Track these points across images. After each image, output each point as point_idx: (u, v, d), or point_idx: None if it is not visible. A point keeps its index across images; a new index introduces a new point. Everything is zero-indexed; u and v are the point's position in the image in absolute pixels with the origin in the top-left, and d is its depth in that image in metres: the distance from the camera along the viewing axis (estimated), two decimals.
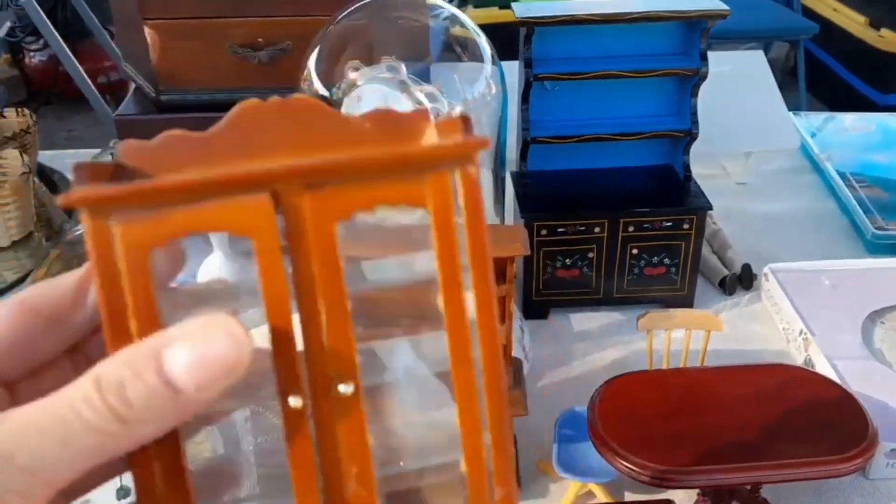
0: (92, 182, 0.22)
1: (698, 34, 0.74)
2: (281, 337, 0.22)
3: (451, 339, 0.24)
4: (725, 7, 0.73)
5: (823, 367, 0.70)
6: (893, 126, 1.13)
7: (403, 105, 0.62)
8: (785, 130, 0.99)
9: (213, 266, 0.78)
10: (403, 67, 0.62)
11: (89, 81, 1.99)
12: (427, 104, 0.62)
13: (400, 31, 0.68)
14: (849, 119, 1.15)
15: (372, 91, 0.63)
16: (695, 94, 0.77)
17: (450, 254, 0.24)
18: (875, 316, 0.77)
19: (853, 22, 2.98)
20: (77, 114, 3.12)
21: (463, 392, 0.24)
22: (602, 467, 0.58)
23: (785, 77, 3.36)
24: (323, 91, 0.65)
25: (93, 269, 0.22)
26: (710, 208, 0.77)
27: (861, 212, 0.93)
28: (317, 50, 0.65)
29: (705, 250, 0.87)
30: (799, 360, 0.74)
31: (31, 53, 3.18)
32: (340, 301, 0.23)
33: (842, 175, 1.01)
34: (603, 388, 0.60)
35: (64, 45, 1.96)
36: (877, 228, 0.90)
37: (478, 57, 0.68)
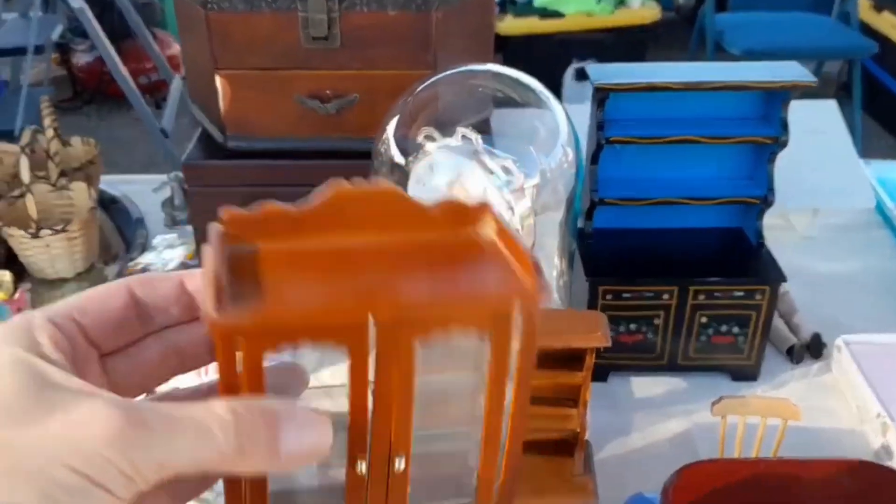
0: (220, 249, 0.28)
1: (780, 102, 0.72)
2: (358, 419, 0.27)
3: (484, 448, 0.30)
4: (812, 77, 0.71)
5: None
6: None
7: (476, 175, 0.61)
8: (858, 188, 0.95)
9: None
10: (479, 139, 0.61)
11: (134, 86, 2.01)
12: (501, 176, 0.61)
13: (472, 100, 0.67)
14: None
15: (445, 160, 0.62)
16: (772, 161, 0.75)
17: (500, 374, 0.29)
18: None
19: None
20: (118, 112, 3.17)
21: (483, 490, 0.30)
22: None
23: (838, 93, 3.28)
24: (399, 158, 0.63)
25: (219, 368, 0.26)
26: (784, 280, 0.74)
27: None
28: (396, 118, 0.64)
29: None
30: (875, 444, 0.71)
31: (79, 54, 3.24)
32: (409, 399, 0.28)
33: None
34: (675, 478, 0.59)
35: (112, 52, 1.98)
36: None
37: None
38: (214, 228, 0.28)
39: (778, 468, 0.60)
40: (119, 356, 0.29)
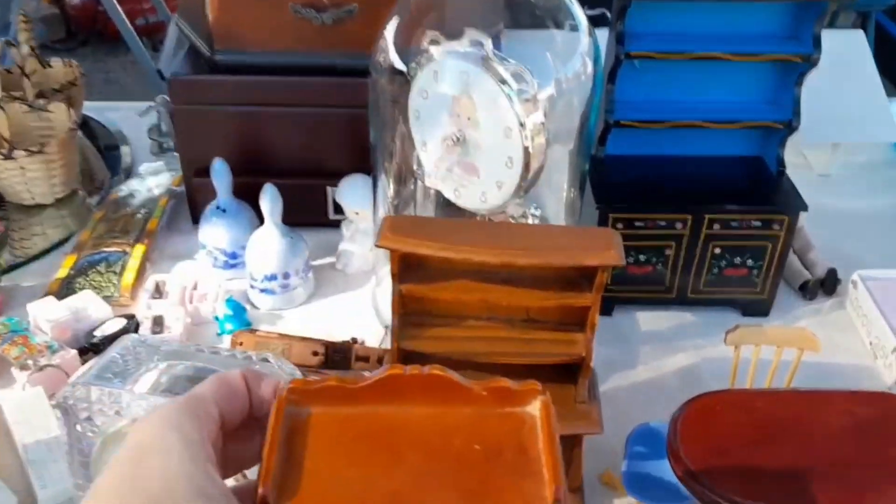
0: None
1: (812, 17, 0.67)
2: None
3: None
4: None
5: None
6: None
7: (485, 84, 0.56)
8: (882, 121, 0.91)
9: (263, 238, 0.73)
10: (489, 43, 0.56)
11: (130, 27, 1.94)
12: (513, 84, 0.56)
13: (482, 4, 0.62)
14: None
15: (452, 68, 0.57)
16: (800, 83, 0.70)
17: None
18: None
19: None
20: (114, 56, 3.08)
21: None
22: (675, 490, 0.54)
23: None
24: (399, 65, 0.59)
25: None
26: (805, 209, 0.70)
27: None
28: (396, 20, 0.59)
29: None
30: (889, 380, 0.69)
31: None
32: None
33: None
34: (685, 408, 0.56)
35: None
36: None
37: (561, 23, 0.62)
38: (280, 392, 0.34)
39: (791, 399, 0.57)
40: (229, 437, 0.34)
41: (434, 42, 0.57)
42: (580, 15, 0.59)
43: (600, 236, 0.53)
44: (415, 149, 0.61)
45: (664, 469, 0.54)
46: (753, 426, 0.54)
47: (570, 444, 0.55)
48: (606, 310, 0.77)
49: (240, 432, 0.35)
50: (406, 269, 0.52)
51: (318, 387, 0.34)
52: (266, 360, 0.52)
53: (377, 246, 0.49)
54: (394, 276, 0.51)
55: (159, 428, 0.31)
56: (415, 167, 0.63)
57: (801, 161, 0.99)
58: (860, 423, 0.54)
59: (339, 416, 0.34)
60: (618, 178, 0.75)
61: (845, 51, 0.94)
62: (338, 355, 0.63)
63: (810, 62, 0.68)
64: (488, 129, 0.56)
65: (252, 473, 0.35)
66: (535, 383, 0.35)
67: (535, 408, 0.34)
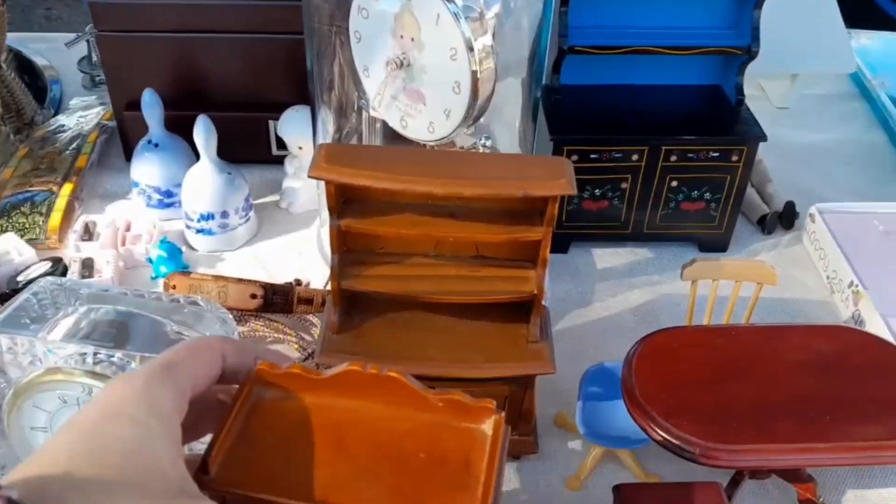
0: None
1: None
2: None
3: None
4: None
5: (875, 325, 0.63)
6: None
7: (429, 2, 0.52)
8: (840, 52, 0.89)
9: (198, 174, 0.69)
10: None
11: None
12: (458, 1, 0.52)
13: None
14: None
15: None
16: (759, 6, 0.67)
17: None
18: None
19: None
20: None
21: None
22: (632, 432, 0.52)
23: None
24: None
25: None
26: (765, 139, 0.68)
27: None
28: None
29: None
30: (845, 313, 0.68)
31: None
32: None
33: (895, 104, 0.92)
34: (640, 346, 0.54)
35: None
36: None
37: None
38: (250, 376, 0.37)
39: (748, 335, 0.55)
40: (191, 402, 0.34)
41: None
42: None
43: (551, 165, 0.49)
44: (357, 76, 0.56)
45: (619, 409, 0.52)
46: (710, 363, 0.53)
47: (523, 385, 0.53)
48: (562, 247, 0.75)
49: (201, 398, 0.35)
50: (345, 203, 0.48)
51: (282, 372, 0.36)
52: (195, 303, 0.49)
53: (310, 176, 0.45)
54: (331, 210, 0.47)
55: (132, 394, 0.31)
56: (358, 97, 0.59)
57: (759, 93, 0.97)
58: (817, 357, 0.53)
59: (298, 403, 0.36)
60: (573, 108, 0.71)
61: None
62: (278, 298, 0.60)
63: None
64: (433, 50, 0.51)
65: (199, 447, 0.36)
66: (490, 402, 0.36)
67: (488, 427, 0.36)
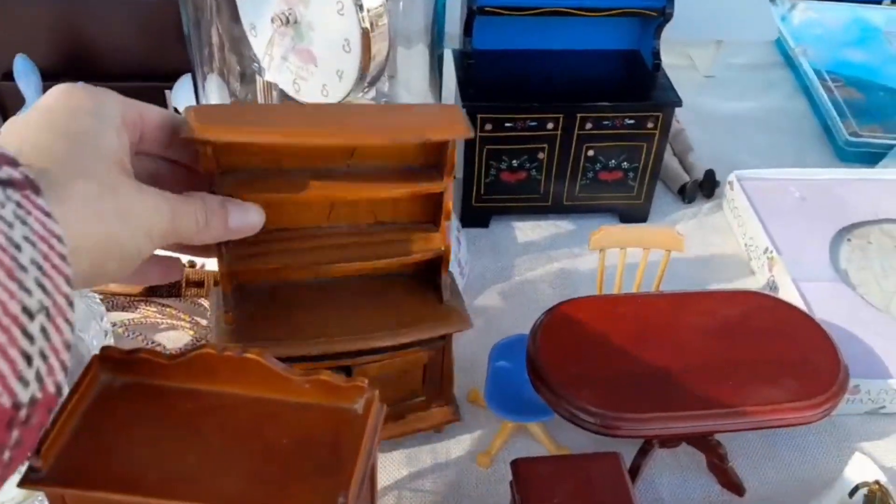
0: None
1: None
2: None
3: None
4: None
5: (788, 290, 0.63)
6: (871, 20, 1.04)
7: None
8: (763, 19, 0.88)
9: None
10: None
11: None
12: None
13: None
14: (824, 9, 1.05)
15: None
16: None
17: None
18: (843, 232, 0.71)
19: None
20: None
21: None
22: (540, 405, 0.51)
23: None
24: None
25: None
26: (679, 104, 0.67)
27: (835, 115, 0.85)
28: None
29: (666, 153, 0.79)
30: (762, 280, 0.68)
31: None
32: None
33: (817, 72, 0.92)
34: (545, 317, 0.53)
35: None
36: (850, 134, 0.82)
37: None
38: (95, 360, 0.35)
39: (654, 302, 0.54)
40: (136, 158, 0.37)
41: None
42: None
43: (446, 111, 0.47)
44: (235, 42, 0.53)
45: (527, 382, 0.51)
46: (615, 332, 0.52)
47: (441, 350, 0.51)
48: (482, 221, 0.73)
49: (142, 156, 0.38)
50: (224, 174, 0.45)
51: (130, 358, 0.35)
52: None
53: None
54: (210, 178, 0.44)
55: (88, 97, 0.33)
56: (250, 60, 0.56)
57: (686, 62, 0.97)
58: (723, 323, 0.53)
59: (149, 390, 0.35)
60: (487, 74, 0.69)
61: None
62: None
63: None
64: (319, 4, 0.49)
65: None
66: (362, 380, 0.35)
67: (359, 406, 0.35)
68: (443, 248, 0.49)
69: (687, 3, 0.73)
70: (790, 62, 0.97)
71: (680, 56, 0.96)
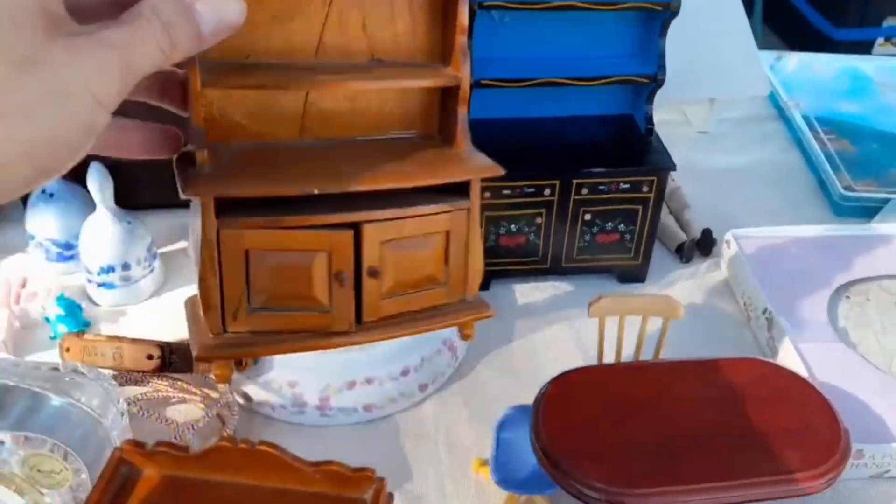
0: None
1: None
2: None
3: None
4: None
5: (787, 351, 0.63)
6: (861, 71, 1.05)
7: None
8: (754, 76, 0.90)
9: (95, 225, 0.66)
10: None
11: None
12: None
13: None
14: (814, 61, 1.07)
15: None
16: (663, 34, 0.67)
17: None
18: (841, 290, 0.71)
19: None
20: None
21: None
22: (544, 477, 0.51)
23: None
24: None
25: None
26: (673, 168, 0.68)
27: (829, 169, 0.86)
28: None
29: (662, 212, 0.80)
30: (762, 339, 0.68)
31: None
32: None
33: (809, 125, 0.93)
34: (547, 388, 0.53)
35: None
36: (845, 188, 0.83)
37: None
38: (116, 454, 0.36)
39: (655, 372, 0.55)
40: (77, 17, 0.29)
41: None
42: None
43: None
44: None
45: (531, 454, 0.51)
46: (617, 402, 0.52)
47: (465, 213, 0.45)
48: (483, 284, 0.73)
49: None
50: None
51: (150, 450, 0.36)
52: (77, 370, 0.46)
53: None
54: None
55: None
56: None
57: (680, 118, 0.98)
58: (723, 391, 0.53)
59: (169, 482, 0.36)
60: (484, 143, 0.70)
61: (718, 3, 0.92)
62: (176, 357, 0.57)
63: (670, 10, 0.65)
64: None
65: None
66: (371, 470, 0.36)
67: (368, 496, 0.36)
68: (459, 76, 0.42)
69: (679, 64, 0.75)
70: (783, 115, 0.98)
71: (673, 112, 0.98)
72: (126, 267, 0.66)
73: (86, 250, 0.66)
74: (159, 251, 0.71)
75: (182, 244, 0.75)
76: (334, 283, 0.40)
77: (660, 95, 0.72)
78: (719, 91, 0.90)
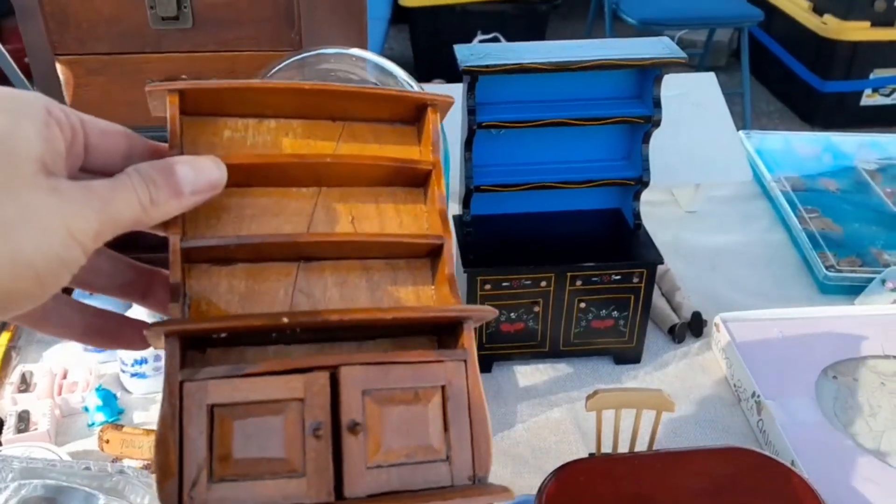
0: None
1: (652, 80, 0.69)
2: None
3: None
4: (682, 54, 0.69)
5: (776, 435, 0.67)
6: (841, 149, 1.11)
7: None
8: (736, 162, 0.95)
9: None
10: None
11: (15, 66, 1.85)
12: None
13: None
14: (798, 139, 1.13)
15: None
16: (646, 141, 0.73)
17: None
18: (829, 370, 0.75)
19: (797, 7, 2.99)
20: None
21: None
22: None
23: (729, 60, 3.37)
24: None
25: None
26: (661, 262, 0.73)
27: (811, 248, 0.90)
28: None
29: (654, 294, 0.84)
30: (752, 421, 0.71)
31: None
32: None
33: (792, 204, 0.98)
34: (549, 481, 0.56)
35: None
36: (828, 268, 0.88)
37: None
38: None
39: (651, 463, 0.58)
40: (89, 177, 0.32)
41: None
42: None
43: None
44: None
45: None
46: (616, 496, 0.55)
47: (462, 365, 0.36)
48: (486, 367, 0.78)
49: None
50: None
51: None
52: (122, 471, 0.50)
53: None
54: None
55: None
56: None
57: (669, 198, 1.03)
58: (714, 482, 0.56)
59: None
60: (484, 240, 0.75)
61: (701, 93, 0.98)
62: None
63: (652, 122, 0.70)
64: None
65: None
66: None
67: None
68: (442, 237, 0.39)
69: (667, 151, 0.80)
70: (767, 194, 1.03)
71: (662, 192, 1.03)
72: (158, 358, 0.70)
73: None
74: None
75: None
76: (309, 440, 0.33)
77: (654, 177, 0.77)
78: (703, 177, 0.95)
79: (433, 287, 0.40)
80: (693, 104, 0.96)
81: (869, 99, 2.96)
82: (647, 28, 2.74)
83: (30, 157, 0.28)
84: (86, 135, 0.31)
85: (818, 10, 2.90)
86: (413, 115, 0.40)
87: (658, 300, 0.84)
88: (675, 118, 0.91)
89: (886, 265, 0.87)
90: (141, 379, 0.71)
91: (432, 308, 0.38)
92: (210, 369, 0.33)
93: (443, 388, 0.36)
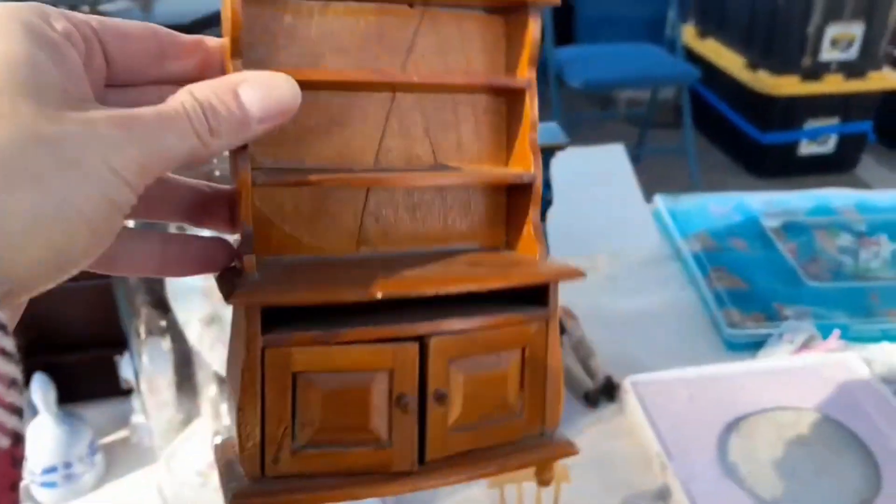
0: None
1: (547, 162, 0.74)
2: None
3: None
4: (565, 138, 0.74)
5: (678, 494, 0.70)
6: (751, 207, 1.17)
7: None
8: (643, 227, 1.00)
9: (37, 430, 0.72)
10: None
11: None
12: None
13: None
14: (711, 200, 1.19)
15: None
16: (544, 220, 0.77)
17: None
18: (731, 425, 0.78)
19: (734, 64, 3.13)
20: None
21: None
22: None
23: (676, 117, 3.49)
24: None
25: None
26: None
27: (716, 307, 0.95)
28: None
29: (570, 360, 0.87)
30: (658, 481, 0.74)
31: None
32: None
33: (701, 265, 1.03)
34: None
35: None
36: (729, 325, 0.92)
37: None
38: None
39: None
40: (118, 91, 0.29)
41: None
42: None
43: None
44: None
45: None
46: None
47: (543, 323, 0.36)
48: None
49: (134, 91, 0.28)
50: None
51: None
52: None
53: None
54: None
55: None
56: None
57: (590, 265, 1.07)
58: None
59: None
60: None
61: (610, 165, 1.03)
62: None
63: (546, 202, 0.75)
64: None
65: None
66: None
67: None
68: (532, 173, 0.37)
69: (581, 222, 0.84)
70: (679, 255, 1.08)
71: (584, 260, 1.07)
72: (67, 465, 0.71)
73: (29, 452, 0.71)
74: (101, 441, 0.77)
75: (123, 433, 0.80)
76: (395, 411, 0.34)
77: (571, 251, 0.81)
78: (615, 244, 1.00)
79: (512, 226, 0.39)
80: (605, 173, 1.01)
81: (807, 148, 3.09)
82: (591, 90, 2.84)
83: (48, 86, 0.23)
84: (102, 43, 0.27)
85: (752, 66, 3.03)
86: (503, 1, 0.36)
87: (573, 367, 0.87)
88: (589, 190, 0.96)
89: (786, 319, 0.91)
90: (50, 488, 0.72)
91: (520, 275, 0.36)
92: (295, 335, 0.32)
93: (523, 349, 0.36)
